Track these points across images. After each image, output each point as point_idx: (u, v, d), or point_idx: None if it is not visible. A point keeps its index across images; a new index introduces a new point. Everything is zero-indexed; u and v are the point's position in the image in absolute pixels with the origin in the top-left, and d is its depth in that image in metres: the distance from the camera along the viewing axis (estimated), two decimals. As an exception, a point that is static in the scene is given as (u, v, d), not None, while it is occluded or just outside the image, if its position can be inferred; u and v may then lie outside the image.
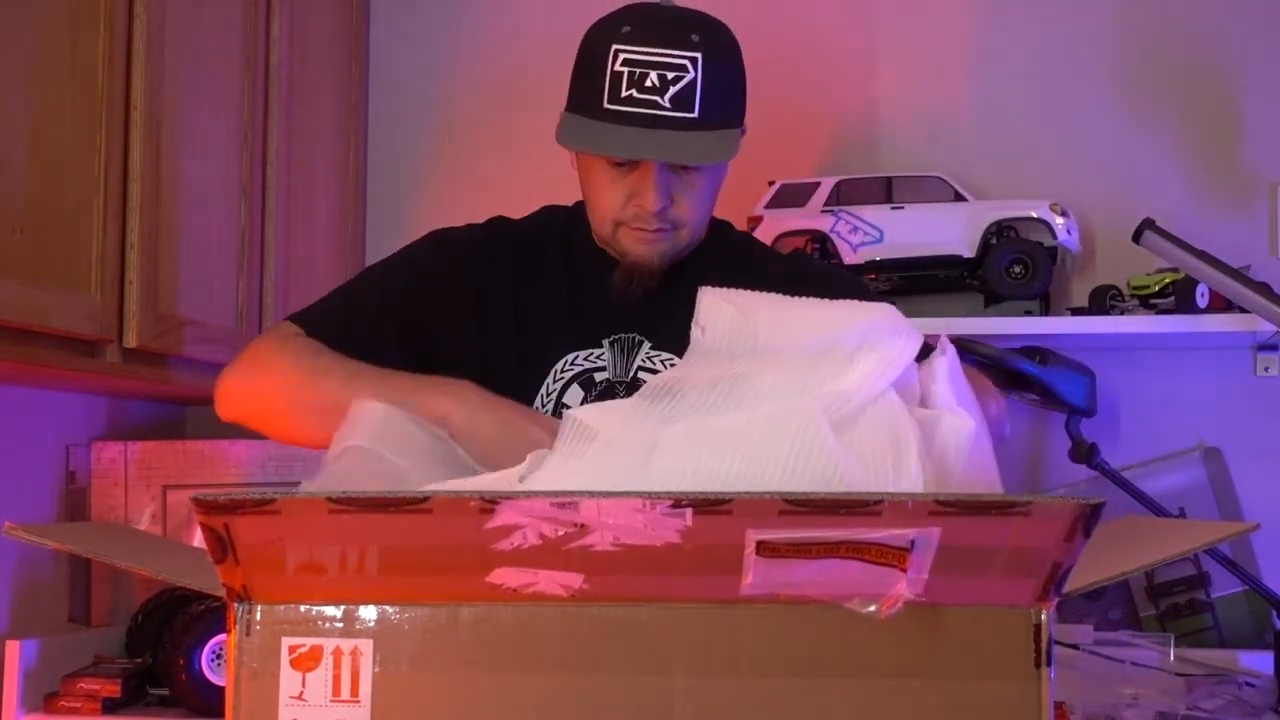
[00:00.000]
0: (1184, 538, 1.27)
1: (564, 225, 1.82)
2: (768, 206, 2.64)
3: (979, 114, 2.81)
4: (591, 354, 1.72)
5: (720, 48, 1.65)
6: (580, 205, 1.84)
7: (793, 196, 2.64)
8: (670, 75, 1.60)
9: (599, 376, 1.71)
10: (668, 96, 1.59)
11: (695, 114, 1.61)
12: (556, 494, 1.03)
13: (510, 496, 1.03)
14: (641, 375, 1.70)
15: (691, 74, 1.60)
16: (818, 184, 2.64)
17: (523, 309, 1.75)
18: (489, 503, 1.03)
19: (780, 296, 1.38)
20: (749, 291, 1.40)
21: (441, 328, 1.74)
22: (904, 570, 1.04)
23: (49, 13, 1.91)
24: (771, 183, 2.66)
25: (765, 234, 2.57)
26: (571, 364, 1.71)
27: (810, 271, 1.87)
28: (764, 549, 1.04)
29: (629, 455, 1.19)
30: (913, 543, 1.03)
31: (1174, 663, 2.35)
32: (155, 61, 2.12)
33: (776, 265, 1.82)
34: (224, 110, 2.37)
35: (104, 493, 2.59)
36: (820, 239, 2.59)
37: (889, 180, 2.62)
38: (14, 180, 1.84)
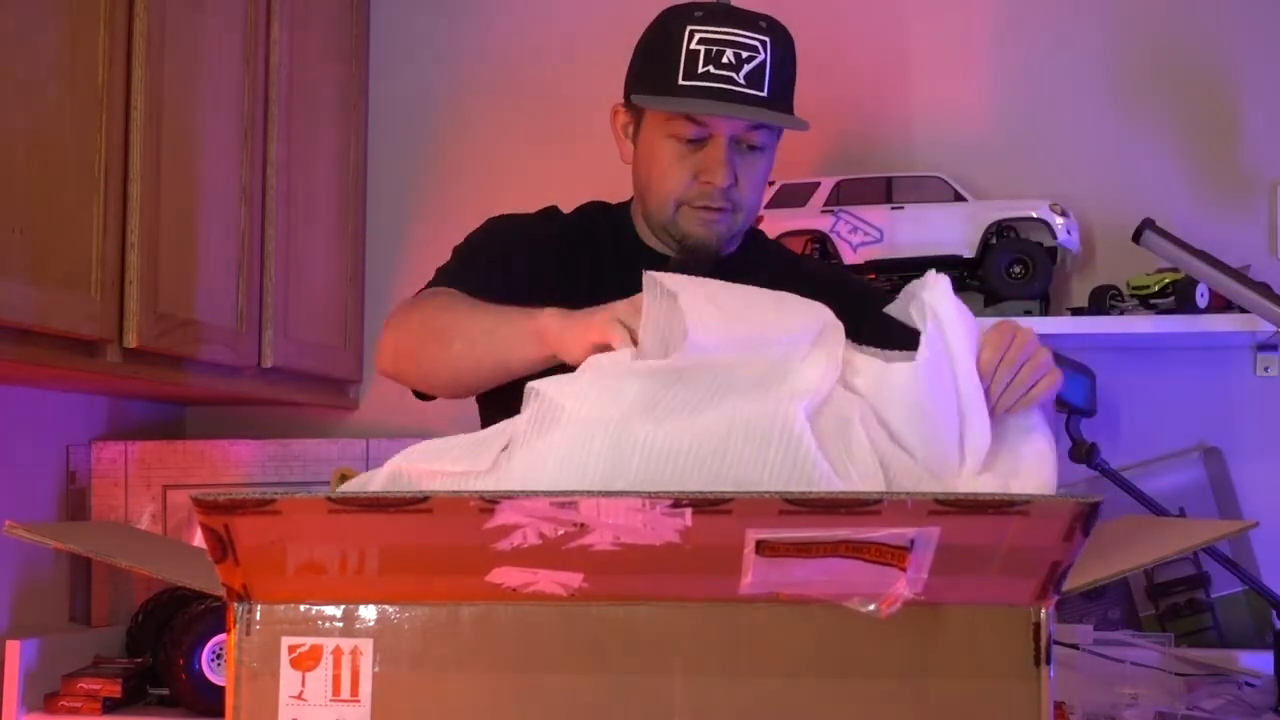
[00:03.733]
0: (1183, 537, 1.27)
1: (613, 225, 1.87)
2: (768, 206, 2.64)
3: (979, 114, 2.81)
4: None
5: (784, 39, 1.77)
6: (624, 206, 1.87)
7: (793, 196, 2.63)
8: (744, 54, 1.70)
9: None
10: (742, 74, 1.69)
11: (765, 93, 1.71)
12: (556, 494, 1.03)
13: (510, 496, 1.03)
14: None
15: (762, 55, 1.71)
16: (818, 184, 2.64)
17: (577, 297, 1.76)
18: (489, 502, 1.03)
19: (723, 290, 1.36)
20: (692, 282, 1.36)
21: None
22: (903, 569, 1.05)
23: (49, 13, 1.91)
24: (771, 183, 2.65)
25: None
26: None
27: (849, 292, 1.83)
28: (763, 548, 1.04)
29: (599, 445, 1.16)
30: (912, 542, 1.03)
31: (1174, 663, 2.35)
32: (155, 61, 2.12)
33: (813, 272, 1.87)
34: (224, 110, 2.37)
35: (104, 493, 2.59)
36: (820, 239, 2.59)
37: (889, 180, 2.62)
38: (14, 180, 1.84)
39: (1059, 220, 2.58)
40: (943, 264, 2.57)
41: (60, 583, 2.53)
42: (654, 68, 1.74)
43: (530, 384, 1.22)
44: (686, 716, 1.10)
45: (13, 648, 2.25)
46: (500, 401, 1.76)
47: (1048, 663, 1.10)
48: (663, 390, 1.21)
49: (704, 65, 1.69)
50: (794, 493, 1.02)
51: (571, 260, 1.83)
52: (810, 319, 1.32)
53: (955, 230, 2.58)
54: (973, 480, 1.27)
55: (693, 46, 1.69)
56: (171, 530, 2.61)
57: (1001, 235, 2.59)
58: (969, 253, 2.58)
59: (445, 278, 1.78)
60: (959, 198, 2.60)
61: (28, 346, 1.90)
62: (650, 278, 1.35)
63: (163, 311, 2.15)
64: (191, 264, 2.25)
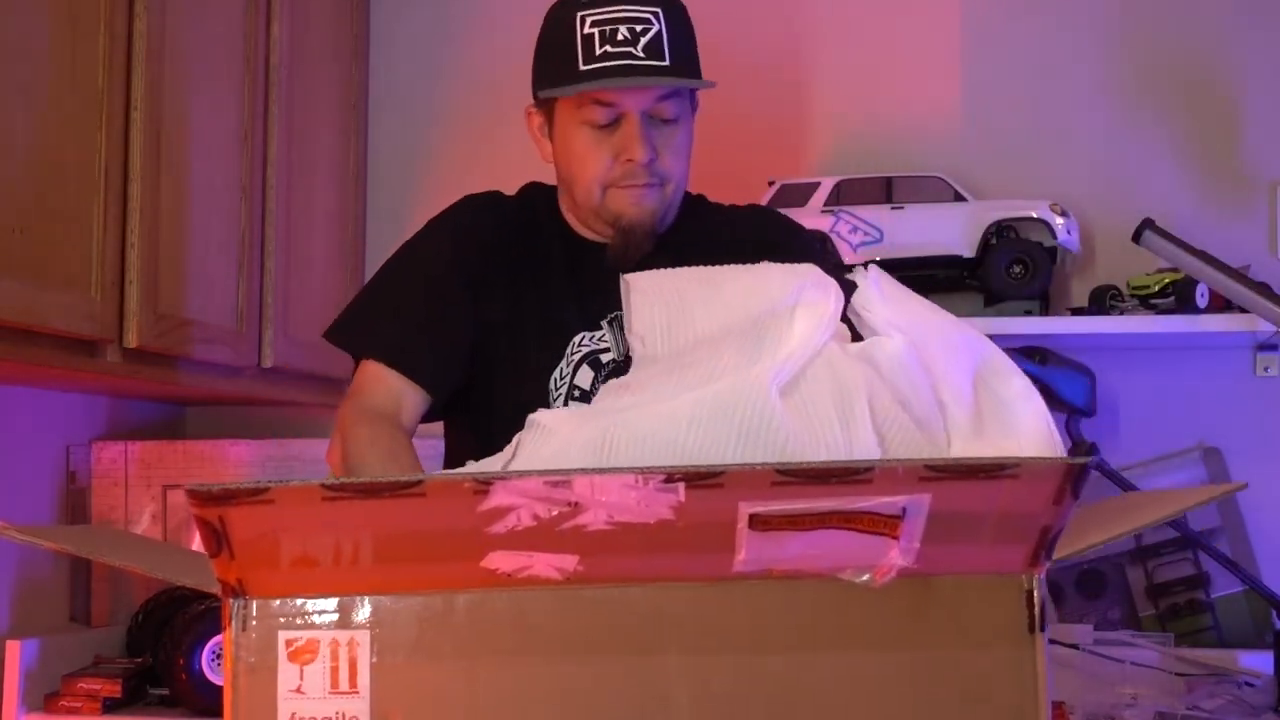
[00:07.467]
0: (1172, 503, 1.28)
1: (551, 206, 1.89)
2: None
3: (979, 114, 2.82)
4: (595, 335, 1.78)
5: (676, 7, 1.75)
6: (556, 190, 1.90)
7: (793, 196, 2.64)
8: (639, 28, 1.70)
9: (605, 357, 1.77)
10: (640, 46, 1.69)
11: (667, 61, 1.70)
12: (550, 473, 1.03)
13: (503, 477, 1.03)
14: None
15: (657, 25, 1.70)
16: (818, 184, 2.64)
17: (534, 290, 1.81)
18: (482, 484, 1.03)
19: (706, 273, 1.42)
20: (674, 272, 1.43)
21: (480, 312, 1.81)
22: (896, 538, 1.05)
23: (49, 14, 1.91)
24: (771, 183, 2.66)
25: (765, 234, 2.57)
26: (579, 345, 1.78)
27: (777, 239, 1.89)
28: (756, 522, 1.04)
29: (587, 448, 1.21)
30: (904, 510, 1.03)
31: (1174, 663, 2.35)
32: (155, 61, 2.12)
33: (745, 231, 1.87)
34: (224, 110, 2.37)
35: (104, 493, 2.59)
36: (820, 239, 2.59)
37: (889, 180, 2.62)
38: (14, 180, 1.84)
39: (1059, 220, 2.58)
40: (943, 264, 2.59)
41: (60, 583, 2.54)
42: (554, 60, 1.75)
43: (530, 416, 1.28)
44: (684, 697, 1.10)
45: (13, 648, 2.25)
46: (464, 425, 1.87)
47: (1042, 629, 1.10)
48: (636, 390, 1.27)
49: (601, 46, 1.69)
50: (787, 464, 1.02)
51: (519, 250, 1.84)
52: (788, 284, 1.34)
53: (955, 230, 2.59)
54: (973, 444, 1.29)
55: (586, 31, 1.70)
56: (171, 531, 2.61)
57: (1001, 235, 2.59)
58: (969, 253, 2.58)
59: (371, 340, 1.89)
60: (959, 198, 2.60)
61: (28, 346, 1.90)
62: (623, 282, 1.40)
63: (163, 311, 2.15)
64: (191, 264, 2.25)
